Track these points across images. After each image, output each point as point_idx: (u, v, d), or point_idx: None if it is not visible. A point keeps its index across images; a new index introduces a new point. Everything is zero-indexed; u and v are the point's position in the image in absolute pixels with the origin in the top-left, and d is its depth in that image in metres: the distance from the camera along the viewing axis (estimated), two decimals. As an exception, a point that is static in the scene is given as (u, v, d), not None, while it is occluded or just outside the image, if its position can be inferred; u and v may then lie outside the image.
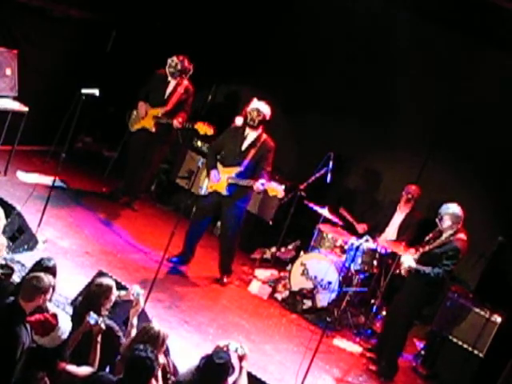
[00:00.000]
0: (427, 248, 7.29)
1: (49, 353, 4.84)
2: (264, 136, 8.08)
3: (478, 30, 8.90)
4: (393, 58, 9.67)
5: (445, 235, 7.27)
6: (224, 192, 8.02)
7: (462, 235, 7.26)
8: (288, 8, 10.55)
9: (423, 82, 9.47)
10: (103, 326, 5.19)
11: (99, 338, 5.19)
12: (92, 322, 5.15)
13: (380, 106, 9.81)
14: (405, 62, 9.55)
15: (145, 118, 9.11)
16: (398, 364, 7.65)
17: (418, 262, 7.23)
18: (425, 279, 7.19)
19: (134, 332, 5.58)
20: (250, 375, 5.36)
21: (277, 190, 7.84)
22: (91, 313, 5.20)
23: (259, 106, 7.98)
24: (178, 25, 10.41)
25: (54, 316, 4.85)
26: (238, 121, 8.21)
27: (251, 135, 8.04)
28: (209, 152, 8.59)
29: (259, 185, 7.83)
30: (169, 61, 8.95)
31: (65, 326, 4.86)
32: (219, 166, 8.08)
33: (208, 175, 8.12)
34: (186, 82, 9.09)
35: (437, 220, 7.32)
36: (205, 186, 8.13)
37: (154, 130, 9.08)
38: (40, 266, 5.59)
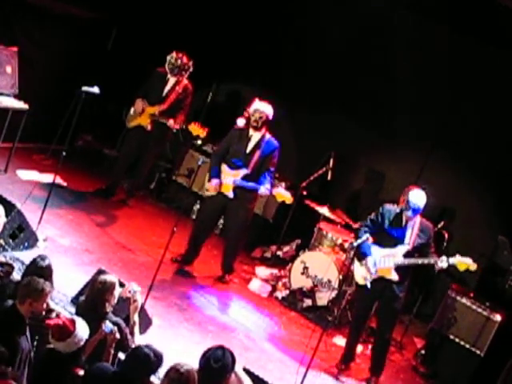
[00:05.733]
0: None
1: (65, 357, 4.81)
2: (267, 136, 8.04)
3: (478, 29, 8.89)
4: (394, 58, 9.66)
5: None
6: (230, 195, 8.02)
7: None
8: (289, 7, 10.53)
9: (424, 82, 9.46)
10: (118, 335, 5.19)
11: (112, 349, 5.19)
12: (107, 330, 5.16)
13: (381, 105, 9.80)
14: (406, 61, 9.54)
15: (141, 115, 9.05)
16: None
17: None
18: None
19: (136, 329, 5.60)
20: (249, 373, 5.35)
21: (285, 196, 7.84)
22: (107, 321, 5.22)
23: (261, 107, 7.95)
24: (179, 23, 10.39)
25: (72, 322, 4.83)
26: (240, 122, 8.13)
27: (255, 136, 8.00)
28: (213, 158, 8.33)
29: (264, 190, 7.82)
30: (168, 57, 8.84)
31: (82, 333, 4.84)
32: (226, 168, 8.04)
33: (209, 181, 8.08)
34: (185, 81, 9.00)
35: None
36: (206, 187, 8.17)
37: (149, 128, 9.00)
38: (34, 265, 5.59)
